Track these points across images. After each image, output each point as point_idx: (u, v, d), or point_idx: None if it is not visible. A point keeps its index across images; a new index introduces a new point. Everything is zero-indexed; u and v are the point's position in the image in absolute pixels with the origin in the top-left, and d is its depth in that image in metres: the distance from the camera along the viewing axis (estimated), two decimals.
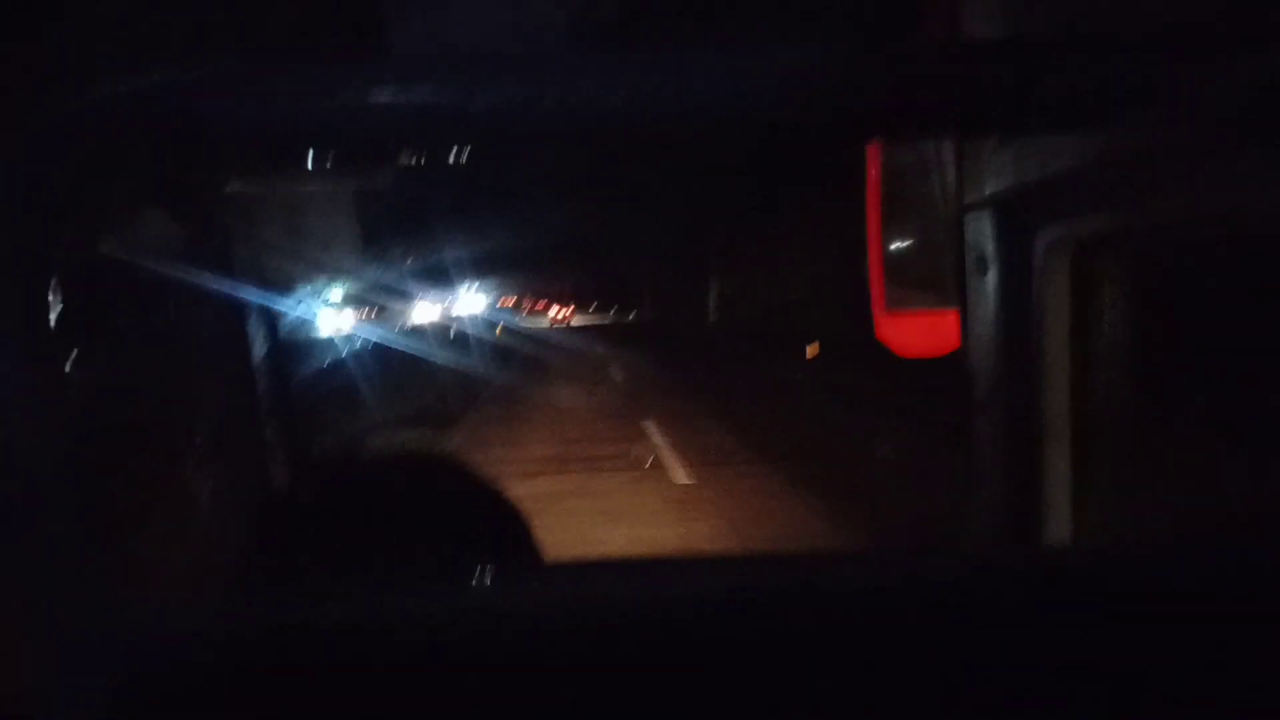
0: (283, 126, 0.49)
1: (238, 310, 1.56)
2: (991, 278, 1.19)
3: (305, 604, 0.58)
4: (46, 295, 0.51)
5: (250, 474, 1.18)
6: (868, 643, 0.57)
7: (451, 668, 0.55)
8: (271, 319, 1.70)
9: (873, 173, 1.32)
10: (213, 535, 0.82)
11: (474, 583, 0.66)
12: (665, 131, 0.56)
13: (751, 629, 0.57)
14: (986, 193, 1.16)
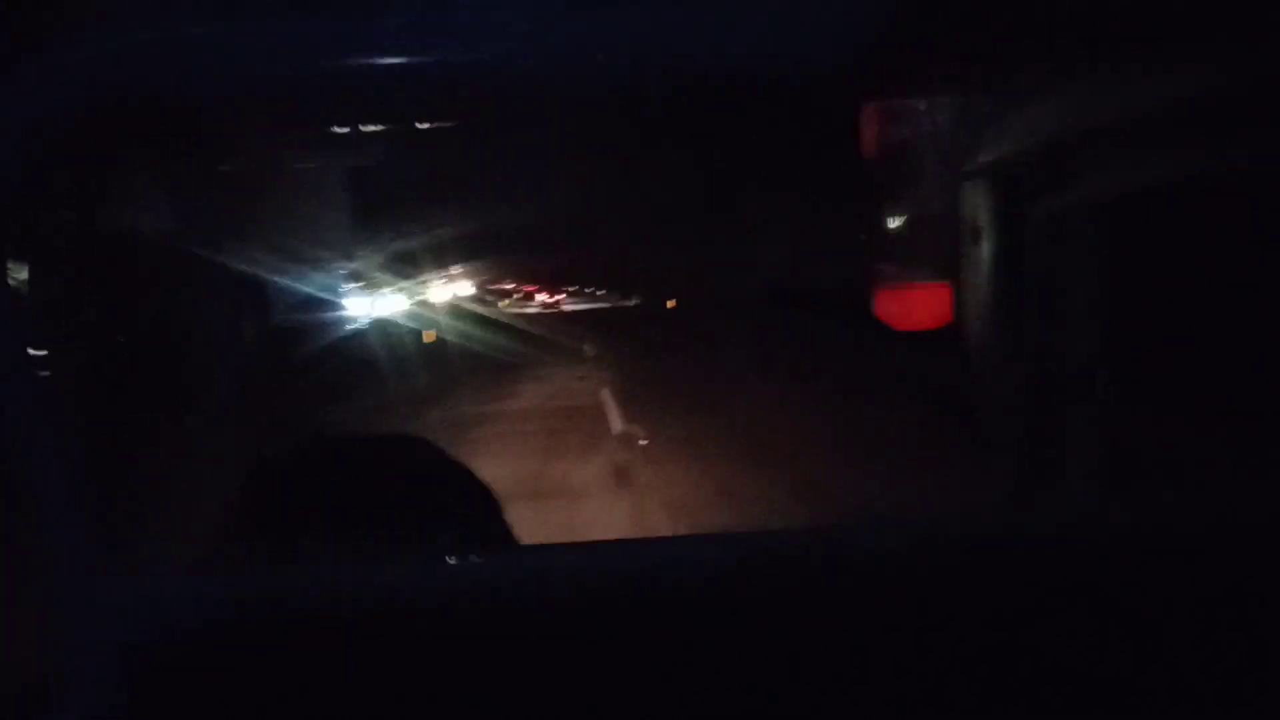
0: (260, 89, 0.49)
1: (232, 289, 1.55)
2: (986, 247, 1.18)
3: (298, 574, 0.58)
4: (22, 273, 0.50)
5: (246, 449, 1.17)
6: (863, 614, 0.57)
7: (434, 638, 0.55)
8: (265, 299, 1.69)
9: (868, 145, 1.32)
10: (211, 509, 0.82)
11: (454, 557, 0.66)
12: (650, 87, 0.55)
13: (740, 605, 0.57)
14: (982, 161, 1.16)
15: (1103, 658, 0.56)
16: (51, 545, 0.50)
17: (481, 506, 0.87)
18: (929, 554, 0.58)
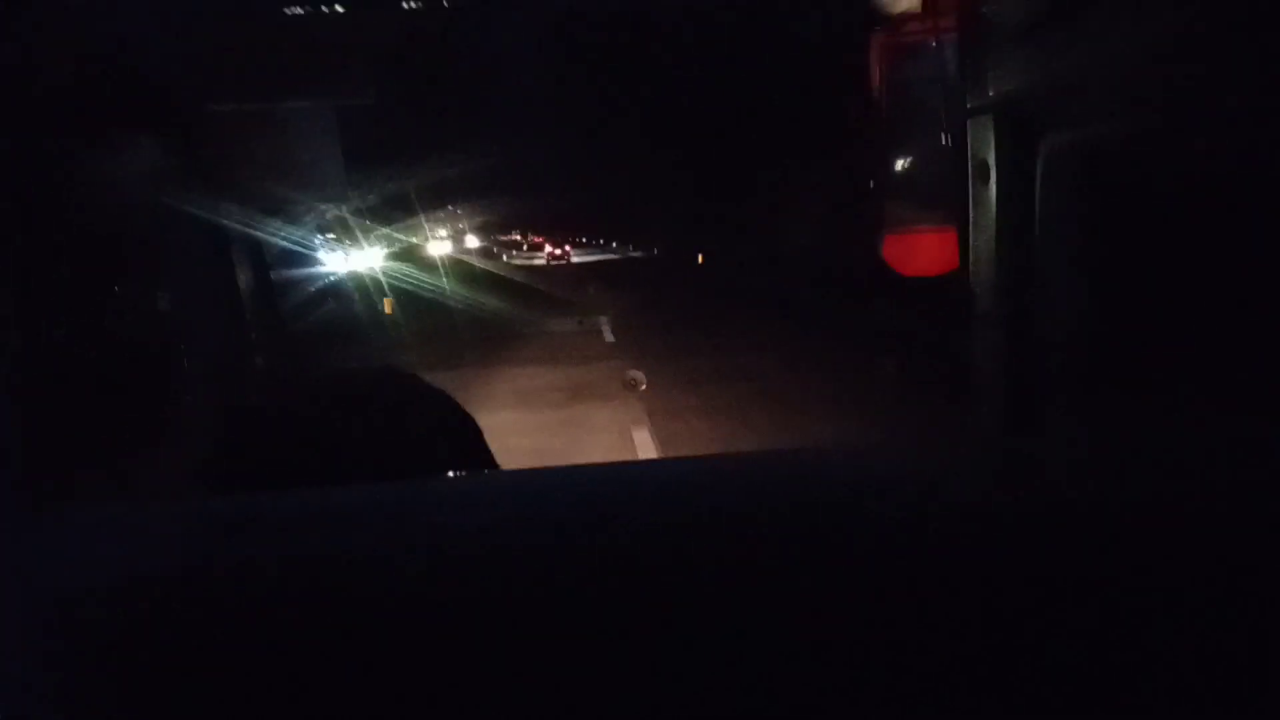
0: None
1: (222, 237, 1.52)
2: (993, 186, 1.15)
3: (259, 507, 0.57)
4: None
5: (232, 395, 1.16)
6: (854, 543, 0.56)
7: (411, 578, 0.54)
8: (256, 247, 1.66)
9: (874, 84, 1.27)
10: (183, 452, 0.81)
11: (434, 485, 0.65)
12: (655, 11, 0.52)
13: (736, 530, 0.56)
14: (990, 97, 1.11)
15: (1089, 638, 0.55)
16: None
17: (464, 433, 0.88)
18: (907, 491, 0.56)
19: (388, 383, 0.88)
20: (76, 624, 0.49)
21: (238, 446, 0.79)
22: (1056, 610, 0.55)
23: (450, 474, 0.78)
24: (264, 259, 1.60)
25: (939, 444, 0.67)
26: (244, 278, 1.50)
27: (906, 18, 1.23)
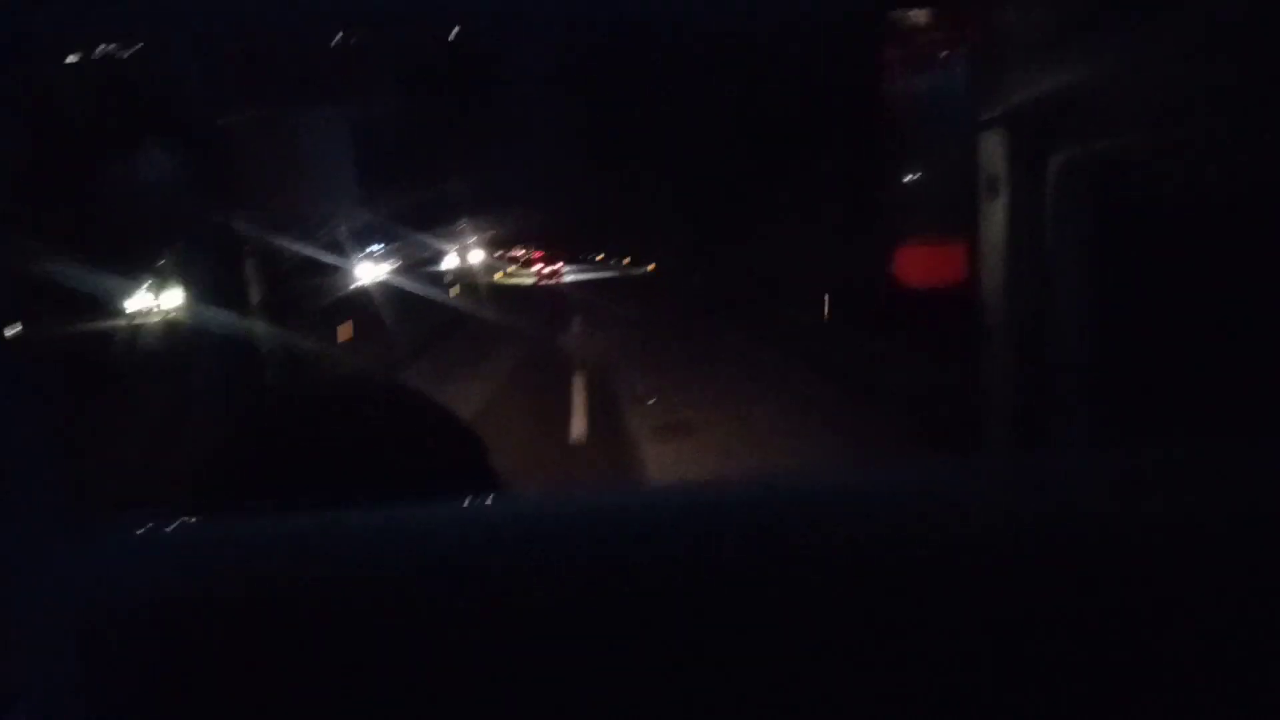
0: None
1: (235, 246, 1.53)
2: (1003, 200, 1.15)
3: (276, 524, 0.57)
4: None
5: (243, 403, 1.17)
6: (863, 562, 0.55)
7: (423, 593, 0.54)
8: (271, 256, 1.67)
9: (886, 94, 1.28)
10: (196, 461, 0.81)
11: (441, 505, 0.65)
12: (663, 20, 0.53)
13: (749, 551, 0.55)
14: (1000, 111, 1.12)
15: (1100, 654, 0.55)
16: (4, 506, 0.48)
17: (469, 452, 0.86)
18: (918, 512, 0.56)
19: (390, 395, 0.87)
20: (115, 640, 0.49)
21: (235, 461, 0.79)
22: (1069, 626, 0.55)
23: (455, 498, 0.77)
24: (275, 269, 1.60)
25: (948, 462, 0.66)
26: (253, 288, 1.50)
27: (917, 31, 1.23)
